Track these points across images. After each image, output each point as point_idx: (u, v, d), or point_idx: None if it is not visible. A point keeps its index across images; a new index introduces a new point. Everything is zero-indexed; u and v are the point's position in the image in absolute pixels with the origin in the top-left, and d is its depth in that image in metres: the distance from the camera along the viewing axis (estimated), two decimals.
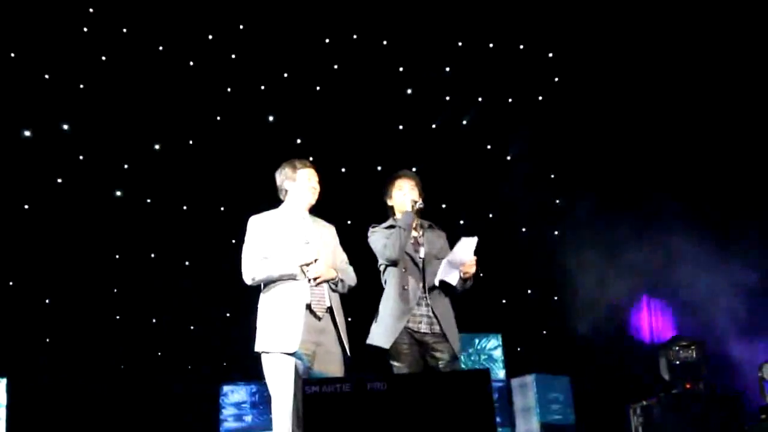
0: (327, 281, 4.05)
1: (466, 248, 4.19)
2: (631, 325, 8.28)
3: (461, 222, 7.94)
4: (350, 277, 4.24)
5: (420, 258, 4.23)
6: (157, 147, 7.64)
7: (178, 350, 7.30)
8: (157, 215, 7.52)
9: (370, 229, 4.38)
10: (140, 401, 6.89)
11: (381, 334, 4.14)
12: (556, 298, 8.36)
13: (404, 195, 4.35)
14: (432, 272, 4.22)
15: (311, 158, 4.12)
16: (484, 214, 8.42)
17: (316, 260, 3.98)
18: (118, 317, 7.24)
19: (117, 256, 7.35)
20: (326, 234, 4.26)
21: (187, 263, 7.57)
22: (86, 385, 6.81)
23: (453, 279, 4.21)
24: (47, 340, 6.92)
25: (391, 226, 4.34)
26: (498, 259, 7.88)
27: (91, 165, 7.39)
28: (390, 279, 4.27)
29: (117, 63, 7.55)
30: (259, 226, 4.11)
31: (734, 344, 7.42)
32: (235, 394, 6.72)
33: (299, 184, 4.18)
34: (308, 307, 3.96)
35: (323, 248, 4.13)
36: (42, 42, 7.25)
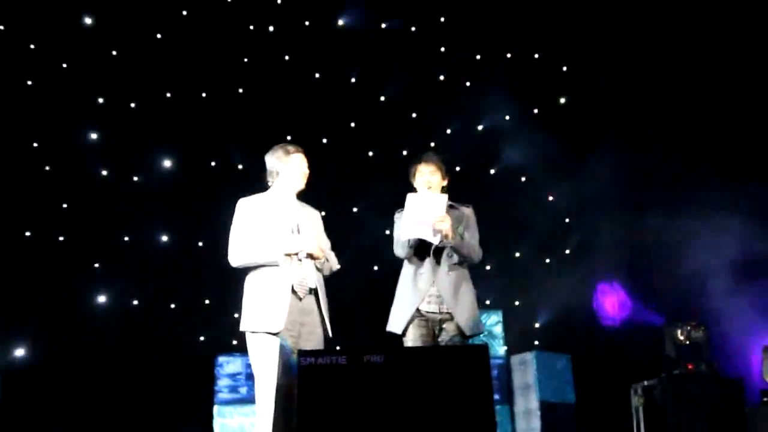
0: (314, 259, 4.09)
1: (431, 205, 4.14)
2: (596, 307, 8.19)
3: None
4: (333, 261, 4.30)
5: (435, 242, 4.19)
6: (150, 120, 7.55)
7: (173, 321, 7.26)
8: (149, 192, 7.46)
9: (396, 214, 4.40)
10: (135, 372, 6.86)
11: (395, 320, 4.23)
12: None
13: (425, 182, 4.33)
14: (446, 255, 4.24)
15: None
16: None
17: (299, 254, 4.02)
18: (112, 291, 7.18)
19: (109, 231, 7.29)
20: (313, 218, 4.31)
21: (182, 236, 7.51)
22: (80, 356, 6.78)
23: (429, 237, 4.16)
24: (41, 322, 6.85)
25: None
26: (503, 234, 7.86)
27: (73, 148, 7.32)
28: (406, 263, 4.32)
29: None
30: (247, 208, 4.14)
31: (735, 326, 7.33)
32: (230, 365, 6.71)
33: (291, 168, 4.20)
34: (291, 288, 3.99)
35: (311, 231, 4.18)
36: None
